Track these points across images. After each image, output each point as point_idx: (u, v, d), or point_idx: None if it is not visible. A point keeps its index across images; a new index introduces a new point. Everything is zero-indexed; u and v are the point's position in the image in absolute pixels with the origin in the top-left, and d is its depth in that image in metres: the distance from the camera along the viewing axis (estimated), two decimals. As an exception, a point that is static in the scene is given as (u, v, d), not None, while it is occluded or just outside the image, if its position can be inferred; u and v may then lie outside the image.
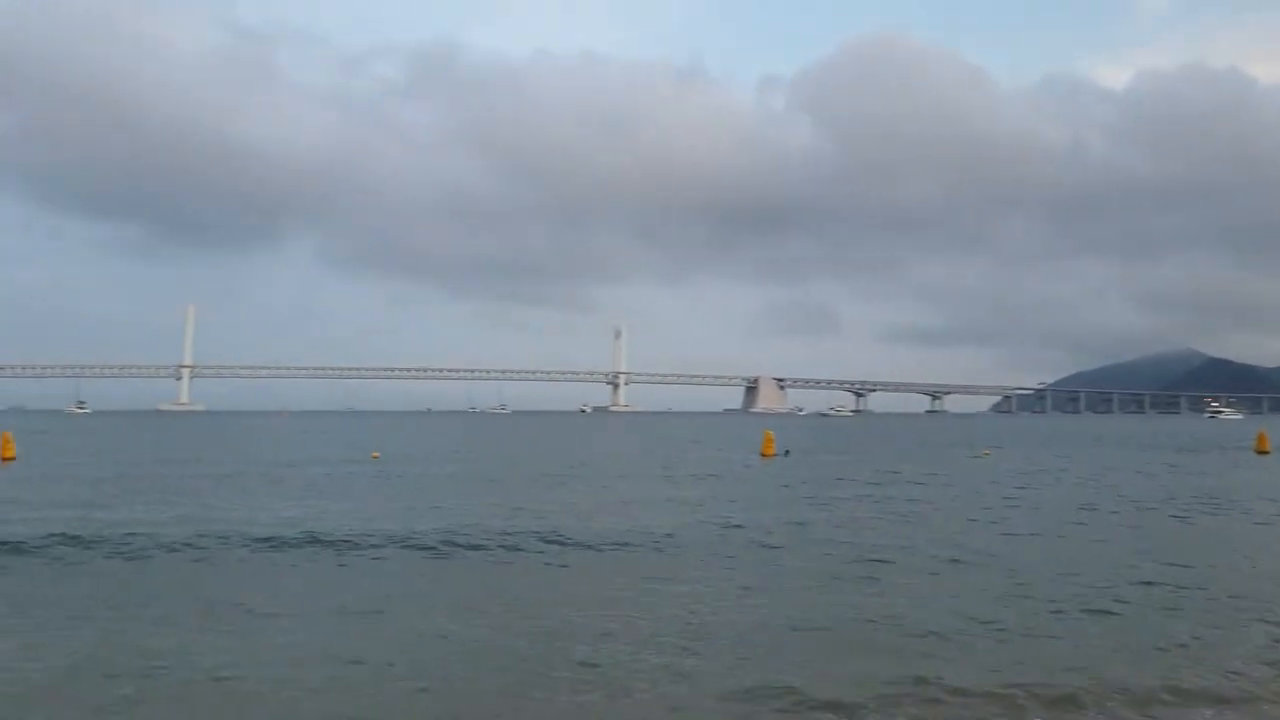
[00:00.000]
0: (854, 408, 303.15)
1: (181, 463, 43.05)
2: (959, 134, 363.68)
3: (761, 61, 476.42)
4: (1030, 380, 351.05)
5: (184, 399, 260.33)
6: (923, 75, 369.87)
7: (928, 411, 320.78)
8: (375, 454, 50.56)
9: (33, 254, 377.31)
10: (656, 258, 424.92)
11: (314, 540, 17.73)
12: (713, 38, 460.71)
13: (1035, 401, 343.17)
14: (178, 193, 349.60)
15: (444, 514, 22.25)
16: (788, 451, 53.33)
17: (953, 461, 47.08)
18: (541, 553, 16.77)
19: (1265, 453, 53.08)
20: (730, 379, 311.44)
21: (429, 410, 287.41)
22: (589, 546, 17.27)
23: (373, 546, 17.16)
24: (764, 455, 51.30)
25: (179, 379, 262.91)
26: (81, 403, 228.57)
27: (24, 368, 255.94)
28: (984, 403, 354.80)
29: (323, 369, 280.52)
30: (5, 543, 16.97)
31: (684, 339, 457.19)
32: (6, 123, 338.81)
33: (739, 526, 20.06)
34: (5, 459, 44.89)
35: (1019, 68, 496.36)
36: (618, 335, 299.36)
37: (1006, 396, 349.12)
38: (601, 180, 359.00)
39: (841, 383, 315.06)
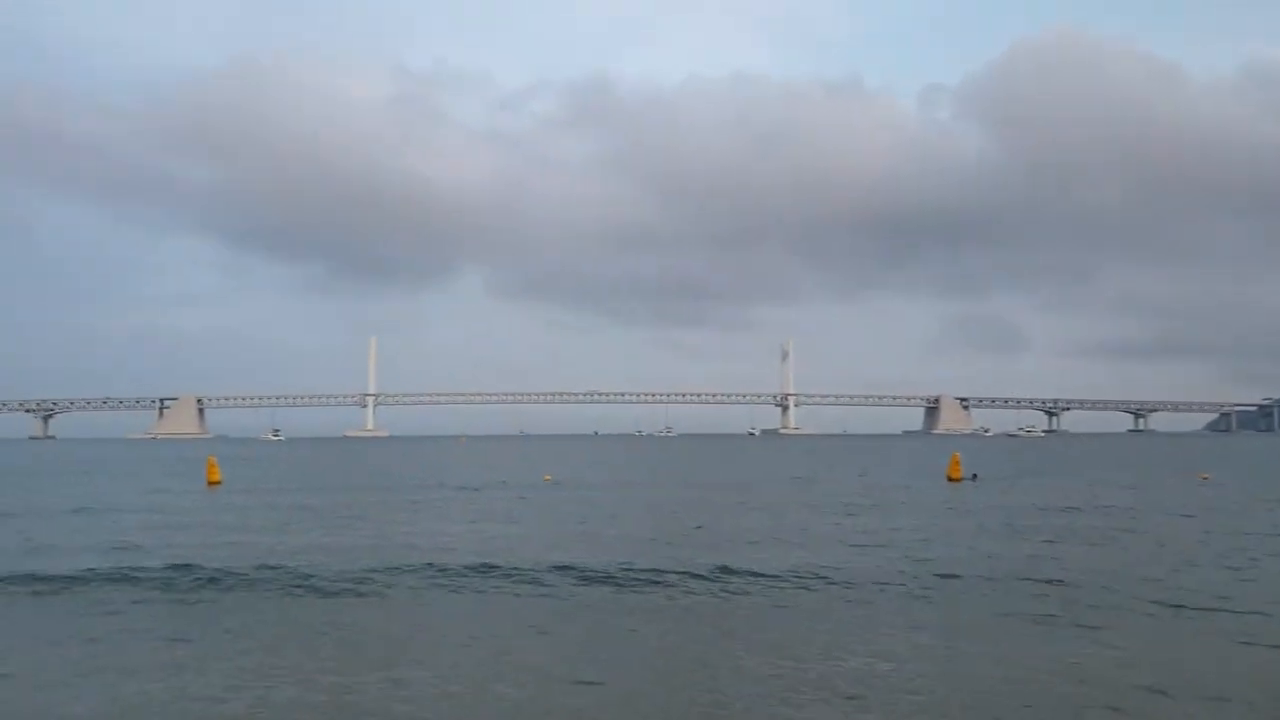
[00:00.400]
0: (1046, 428, 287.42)
1: (367, 489, 44.93)
2: (1149, 132, 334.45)
3: (922, 72, 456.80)
4: (1253, 395, 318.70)
5: (369, 426, 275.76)
6: (1103, 72, 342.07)
7: (1130, 431, 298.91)
8: (548, 477, 51.41)
9: (232, 295, 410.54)
10: (822, 275, 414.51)
11: (490, 569, 17.54)
12: (868, 52, 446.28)
13: (1260, 419, 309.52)
14: (357, 233, 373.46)
15: (616, 541, 21.92)
16: (975, 475, 50.69)
17: (1164, 487, 43.14)
18: (713, 583, 16.06)
19: None
20: (909, 399, 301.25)
21: (596, 433, 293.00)
22: (764, 581, 16.33)
23: (546, 575, 16.88)
24: (950, 479, 48.93)
25: (364, 407, 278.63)
26: (276, 431, 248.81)
27: (226, 399, 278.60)
28: (1197, 421, 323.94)
29: (495, 395, 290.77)
30: (216, 572, 17.59)
31: (856, 358, 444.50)
32: (212, 177, 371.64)
33: (926, 560, 18.67)
34: (212, 483, 48.55)
35: (1213, 57, 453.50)
36: (785, 355, 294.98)
37: (1224, 414, 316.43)
38: (760, 200, 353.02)
39: (1031, 401, 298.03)
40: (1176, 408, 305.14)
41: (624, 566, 17.54)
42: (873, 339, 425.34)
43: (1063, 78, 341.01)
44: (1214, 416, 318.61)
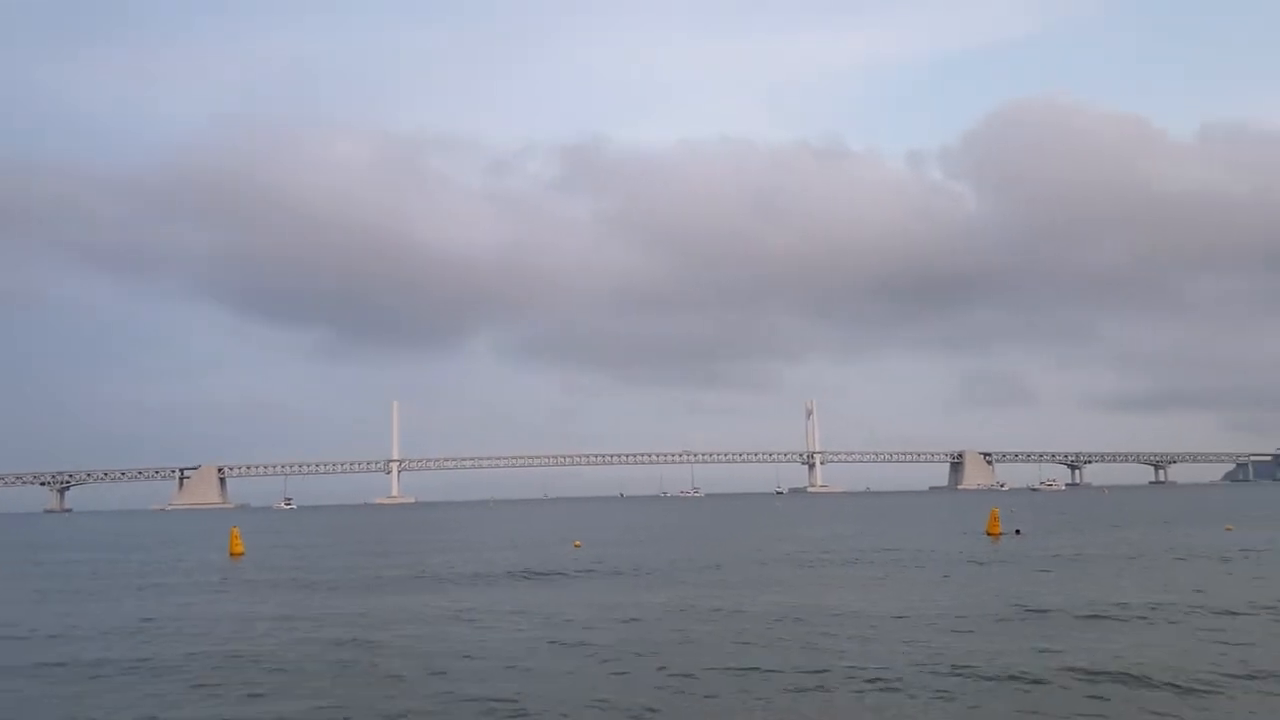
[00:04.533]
0: (1069, 481, 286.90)
1: (400, 581, 42.57)
2: (1135, 190, 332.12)
3: (904, 138, 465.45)
4: (1268, 445, 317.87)
5: (395, 492, 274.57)
6: (1084, 131, 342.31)
7: (1151, 483, 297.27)
8: (577, 544, 49.50)
9: (247, 363, 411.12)
10: (834, 334, 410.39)
11: None
12: (848, 120, 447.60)
13: (1276, 468, 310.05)
14: (363, 297, 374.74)
15: (668, 632, 18.89)
16: (1019, 530, 49.50)
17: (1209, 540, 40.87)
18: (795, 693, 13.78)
19: None
20: (934, 455, 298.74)
21: (621, 495, 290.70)
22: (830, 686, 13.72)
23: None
24: (990, 535, 47.72)
25: (389, 473, 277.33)
26: (288, 499, 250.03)
27: (248, 468, 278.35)
28: (1215, 471, 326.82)
29: (518, 458, 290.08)
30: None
31: (876, 415, 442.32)
32: (213, 243, 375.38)
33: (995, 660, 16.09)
34: (235, 555, 47.17)
35: (1184, 118, 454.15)
36: (809, 414, 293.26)
37: (1241, 464, 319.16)
38: (759, 259, 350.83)
39: (1054, 455, 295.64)
40: (1195, 459, 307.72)
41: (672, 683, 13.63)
42: (891, 396, 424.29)
43: (1046, 138, 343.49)
44: (1231, 466, 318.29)
